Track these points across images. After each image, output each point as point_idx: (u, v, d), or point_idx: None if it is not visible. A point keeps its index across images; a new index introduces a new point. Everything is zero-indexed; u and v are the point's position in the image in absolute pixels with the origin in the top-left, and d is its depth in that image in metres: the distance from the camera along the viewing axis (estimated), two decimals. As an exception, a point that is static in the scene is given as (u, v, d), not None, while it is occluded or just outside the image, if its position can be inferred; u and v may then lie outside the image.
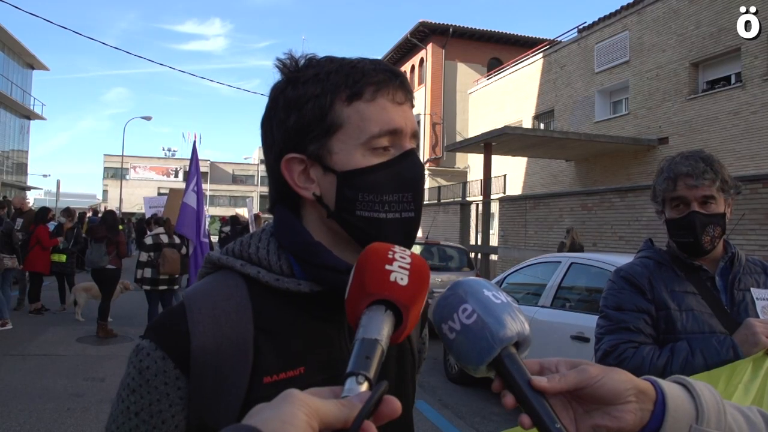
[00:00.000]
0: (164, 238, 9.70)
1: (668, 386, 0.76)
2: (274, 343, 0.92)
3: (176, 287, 9.91)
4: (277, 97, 0.98)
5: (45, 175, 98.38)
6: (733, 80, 16.94)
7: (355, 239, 0.95)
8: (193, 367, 0.87)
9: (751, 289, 2.06)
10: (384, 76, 0.95)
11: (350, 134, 0.93)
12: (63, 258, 12.29)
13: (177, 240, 9.85)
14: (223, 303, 0.92)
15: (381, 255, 0.75)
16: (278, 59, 0.99)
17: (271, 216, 1.05)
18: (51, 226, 12.23)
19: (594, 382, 0.73)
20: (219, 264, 1.00)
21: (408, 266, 0.74)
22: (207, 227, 9.41)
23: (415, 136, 0.99)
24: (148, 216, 16.14)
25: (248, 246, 0.99)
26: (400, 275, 0.73)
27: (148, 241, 9.72)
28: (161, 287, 9.55)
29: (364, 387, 0.61)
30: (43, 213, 11.96)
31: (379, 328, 0.69)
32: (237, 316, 0.91)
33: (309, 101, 0.94)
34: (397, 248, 0.78)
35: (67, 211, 13.94)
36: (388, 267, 0.73)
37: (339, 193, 0.94)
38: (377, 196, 0.93)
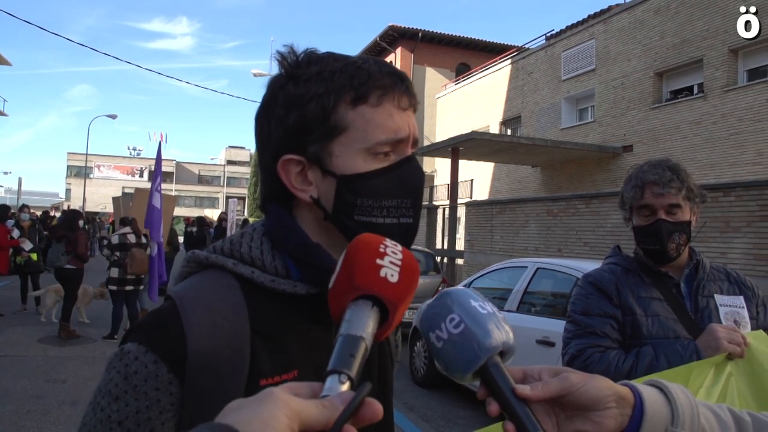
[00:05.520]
0: (132, 238, 9.58)
1: (645, 390, 0.79)
2: (270, 345, 0.89)
3: (141, 287, 9.78)
4: (277, 92, 0.94)
5: (6, 173, 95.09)
6: (695, 90, 17.33)
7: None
8: (189, 372, 0.82)
9: (715, 295, 2.11)
10: (390, 80, 0.92)
11: (354, 138, 0.91)
12: (35, 256, 11.89)
13: (144, 240, 9.74)
14: (218, 303, 0.88)
15: (372, 248, 0.72)
16: (278, 52, 0.95)
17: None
18: (10, 223, 11.88)
19: (575, 389, 0.74)
20: (207, 263, 0.95)
21: (399, 262, 0.72)
22: (162, 229, 9.37)
23: (416, 142, 0.97)
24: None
25: (239, 245, 0.95)
26: (390, 271, 0.70)
27: (115, 240, 9.59)
28: (128, 287, 9.44)
29: (346, 386, 0.59)
30: (2, 211, 11.58)
31: (365, 324, 0.66)
32: (234, 318, 0.87)
33: (311, 101, 0.90)
34: (389, 242, 0.75)
35: (24, 208, 13.57)
36: (378, 261, 0.71)
37: (338, 197, 0.92)
38: (377, 201, 0.91)
